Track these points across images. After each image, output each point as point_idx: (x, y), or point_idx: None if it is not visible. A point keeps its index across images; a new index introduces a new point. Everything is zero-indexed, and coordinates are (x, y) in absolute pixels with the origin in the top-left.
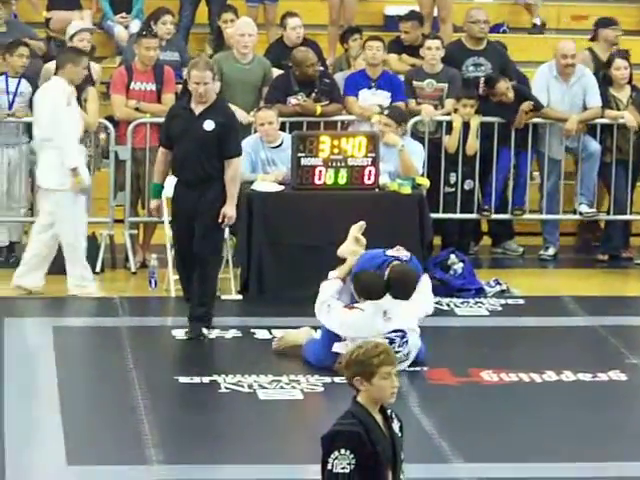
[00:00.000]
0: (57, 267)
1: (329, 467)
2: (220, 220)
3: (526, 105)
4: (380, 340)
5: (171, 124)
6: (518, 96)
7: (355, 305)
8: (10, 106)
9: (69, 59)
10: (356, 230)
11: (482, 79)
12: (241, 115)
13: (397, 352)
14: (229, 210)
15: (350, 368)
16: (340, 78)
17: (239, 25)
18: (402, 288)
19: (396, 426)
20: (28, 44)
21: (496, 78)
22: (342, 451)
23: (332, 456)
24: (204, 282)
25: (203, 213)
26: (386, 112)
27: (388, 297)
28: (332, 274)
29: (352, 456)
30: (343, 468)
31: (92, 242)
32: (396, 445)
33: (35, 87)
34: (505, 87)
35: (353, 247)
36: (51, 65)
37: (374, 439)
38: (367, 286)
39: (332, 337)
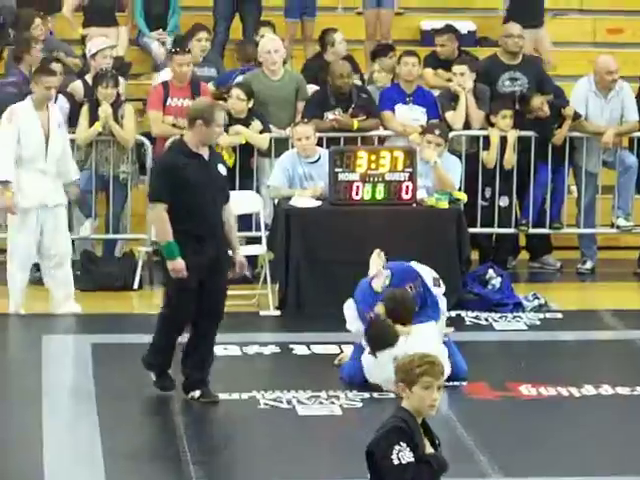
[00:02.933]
0: (98, 285)
1: (395, 462)
2: (239, 270)
3: (568, 109)
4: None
5: (184, 174)
6: (554, 111)
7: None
8: None
9: (33, 77)
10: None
11: (517, 95)
12: (276, 131)
13: None
14: (243, 258)
15: (397, 374)
16: (374, 92)
17: (264, 43)
18: (400, 314)
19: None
20: (61, 60)
21: (529, 95)
22: (402, 444)
23: (394, 451)
24: (212, 341)
25: (224, 267)
26: (437, 132)
27: (401, 340)
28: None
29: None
30: (409, 458)
31: (129, 259)
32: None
33: (72, 103)
34: (539, 102)
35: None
36: (78, 83)
37: (416, 443)
38: (377, 342)
39: (361, 355)
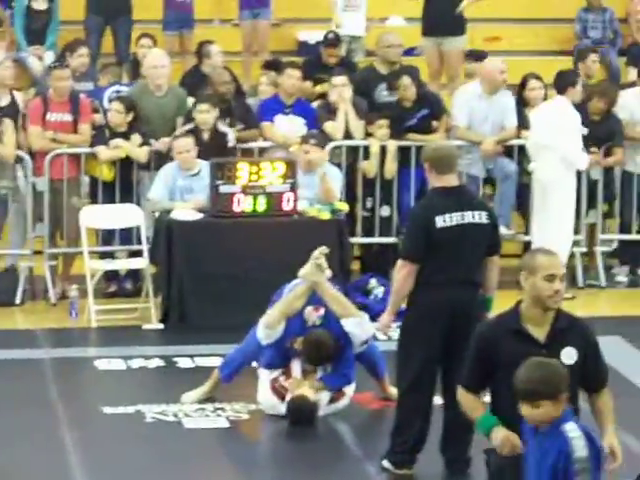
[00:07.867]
0: None
1: None
2: None
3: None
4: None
5: None
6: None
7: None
8: None
9: None
10: (317, 255)
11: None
12: (161, 144)
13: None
14: None
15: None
16: (253, 104)
17: (151, 57)
18: (315, 356)
19: None
20: None
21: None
22: None
23: None
24: None
25: None
26: (313, 141)
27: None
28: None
29: None
30: None
31: (12, 274)
32: None
33: None
34: (408, 82)
35: (314, 274)
36: None
37: None
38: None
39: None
